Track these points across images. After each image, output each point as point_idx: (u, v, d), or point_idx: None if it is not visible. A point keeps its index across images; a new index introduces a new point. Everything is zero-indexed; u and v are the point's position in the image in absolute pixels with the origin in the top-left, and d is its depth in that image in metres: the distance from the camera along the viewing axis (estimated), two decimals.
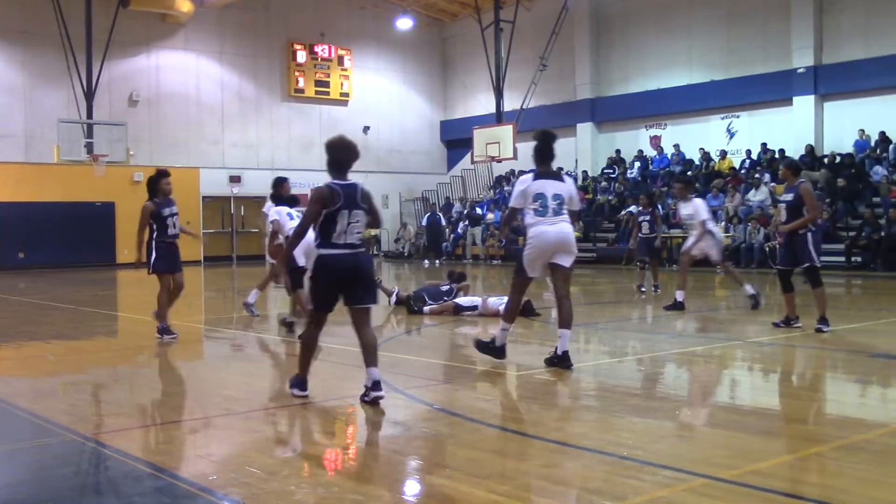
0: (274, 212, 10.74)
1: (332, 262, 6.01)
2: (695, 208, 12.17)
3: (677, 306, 11.79)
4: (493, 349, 7.75)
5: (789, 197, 9.54)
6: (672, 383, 7.32)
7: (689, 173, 25.95)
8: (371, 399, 5.99)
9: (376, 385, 6.03)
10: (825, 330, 9.27)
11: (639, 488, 4.15)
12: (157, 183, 9.68)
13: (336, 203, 5.96)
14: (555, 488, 4.15)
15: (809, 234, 9.37)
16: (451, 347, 9.54)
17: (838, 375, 7.54)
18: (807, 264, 9.40)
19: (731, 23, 26.14)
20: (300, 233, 6.32)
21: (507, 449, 5.09)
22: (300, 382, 6.37)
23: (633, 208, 24.92)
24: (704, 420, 5.72)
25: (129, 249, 27.64)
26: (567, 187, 7.61)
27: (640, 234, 14.86)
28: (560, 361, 7.36)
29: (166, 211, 9.61)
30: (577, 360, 8.42)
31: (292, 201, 10.99)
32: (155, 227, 9.57)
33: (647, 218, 14.74)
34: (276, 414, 6.17)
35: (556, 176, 7.70)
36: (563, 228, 7.43)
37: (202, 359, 9.63)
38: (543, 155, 7.61)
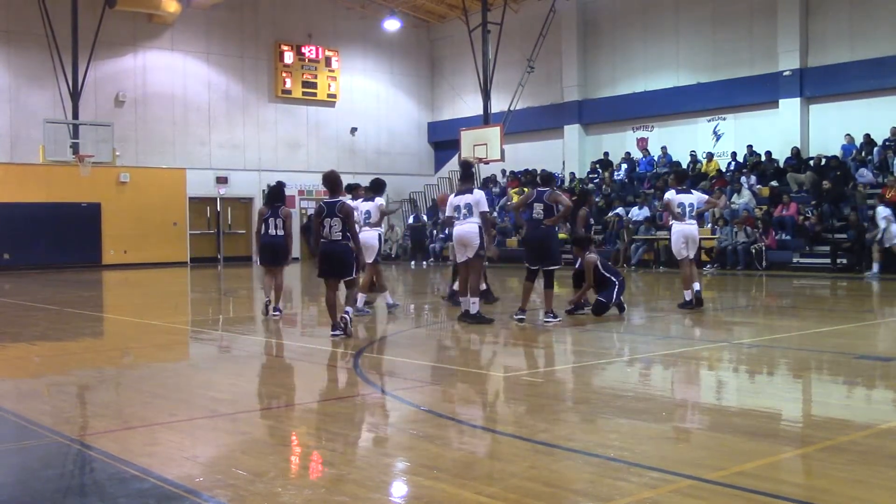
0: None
1: (321, 248, 9.59)
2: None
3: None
4: (476, 317, 10.49)
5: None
6: (658, 385, 7.34)
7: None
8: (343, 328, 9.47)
9: (346, 312, 9.60)
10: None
11: (625, 489, 4.16)
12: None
13: (322, 214, 9.52)
14: (542, 489, 4.16)
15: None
16: (438, 349, 9.55)
17: (824, 377, 7.57)
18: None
19: (718, 25, 26.26)
20: (312, 231, 10.11)
21: (495, 450, 5.09)
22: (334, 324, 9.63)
23: (620, 210, 25.01)
24: (691, 421, 5.74)
25: (114, 250, 27.82)
26: (473, 197, 10.46)
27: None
28: (476, 318, 10.45)
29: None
30: (563, 363, 8.44)
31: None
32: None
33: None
34: (263, 416, 6.15)
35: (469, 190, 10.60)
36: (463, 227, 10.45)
37: (188, 360, 9.59)
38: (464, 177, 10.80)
